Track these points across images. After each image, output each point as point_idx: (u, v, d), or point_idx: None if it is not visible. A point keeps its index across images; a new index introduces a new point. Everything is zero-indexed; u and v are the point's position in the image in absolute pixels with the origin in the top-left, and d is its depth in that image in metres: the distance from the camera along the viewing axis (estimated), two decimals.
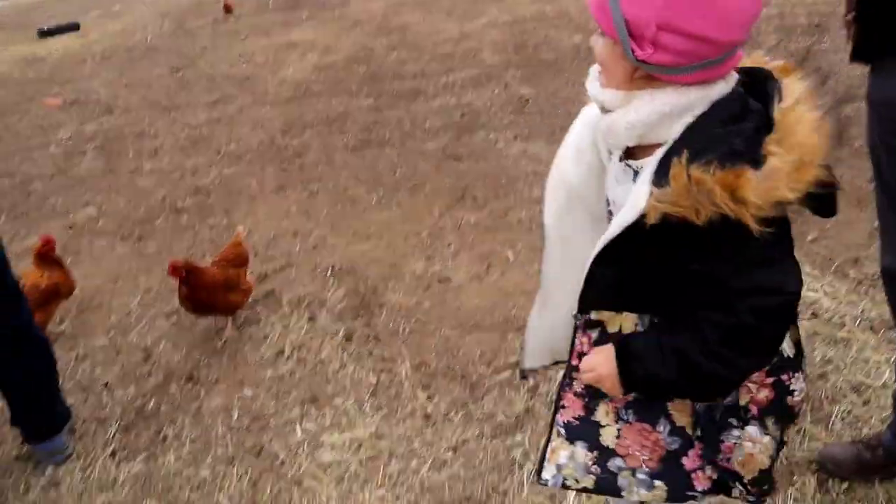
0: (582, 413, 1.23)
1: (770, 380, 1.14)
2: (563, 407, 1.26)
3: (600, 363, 1.14)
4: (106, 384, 2.83)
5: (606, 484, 1.22)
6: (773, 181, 0.92)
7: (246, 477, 2.29)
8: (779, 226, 0.96)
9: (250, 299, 3.02)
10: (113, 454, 2.46)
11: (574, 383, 1.23)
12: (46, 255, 3.05)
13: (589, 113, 1.23)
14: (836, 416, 2.17)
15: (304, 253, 3.58)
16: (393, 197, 4.04)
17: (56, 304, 3.05)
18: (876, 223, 1.88)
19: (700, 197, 0.92)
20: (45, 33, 16.85)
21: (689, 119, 1.00)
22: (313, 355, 2.79)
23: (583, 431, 1.23)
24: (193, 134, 5.58)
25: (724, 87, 1.02)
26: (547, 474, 1.26)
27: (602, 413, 1.22)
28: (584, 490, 1.26)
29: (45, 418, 2.42)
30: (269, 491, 2.23)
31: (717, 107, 1.00)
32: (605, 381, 1.14)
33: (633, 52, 0.99)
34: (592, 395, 1.22)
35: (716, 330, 1.02)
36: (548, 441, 1.28)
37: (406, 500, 2.12)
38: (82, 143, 6.47)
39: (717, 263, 0.99)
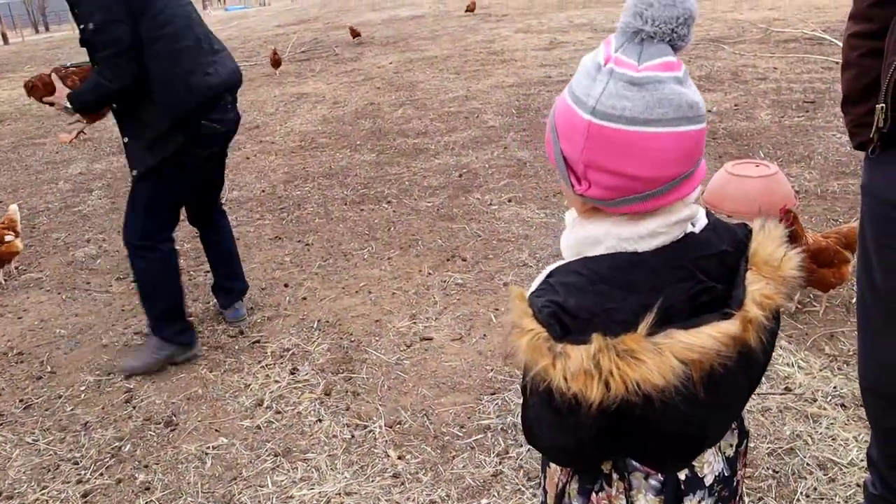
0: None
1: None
2: None
3: None
4: (85, 424, 2.87)
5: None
6: (560, 362, 0.93)
7: None
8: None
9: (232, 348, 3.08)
10: (85, 495, 2.49)
11: None
12: None
13: None
14: (801, 493, 2.20)
15: (294, 304, 3.65)
16: (384, 253, 4.12)
17: None
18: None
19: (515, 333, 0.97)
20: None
21: (600, 250, 1.02)
22: (291, 408, 2.83)
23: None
24: None
25: (657, 223, 0.99)
26: None
27: None
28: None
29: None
30: None
31: (616, 260, 1.00)
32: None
33: (572, 185, 1.02)
34: None
35: (531, 411, 1.08)
36: None
37: None
38: (91, 180, 6.61)
39: None
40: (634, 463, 1.11)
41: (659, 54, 0.92)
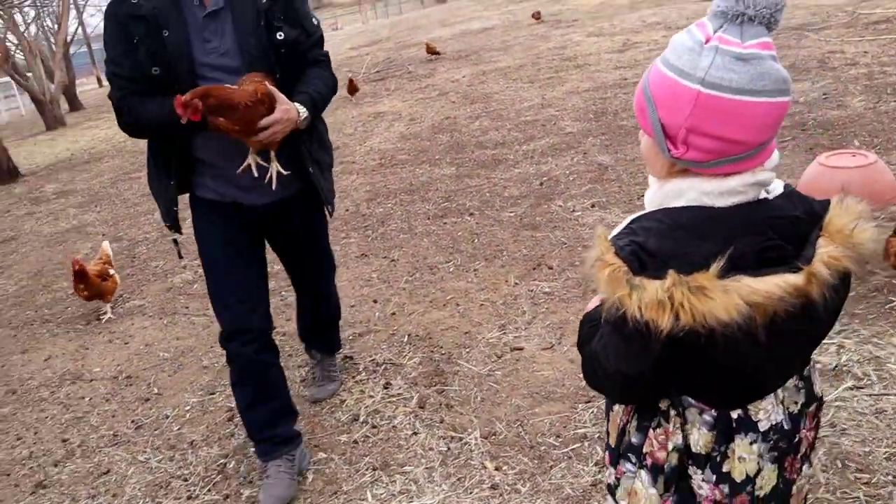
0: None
1: (670, 446, 1.25)
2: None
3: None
4: (192, 442, 2.98)
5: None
6: (636, 293, 1.03)
7: None
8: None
9: None
10: None
11: None
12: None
13: None
14: None
15: (383, 320, 3.70)
16: (470, 265, 4.14)
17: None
18: None
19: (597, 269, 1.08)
20: None
21: (681, 202, 1.14)
22: (387, 422, 2.86)
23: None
24: None
25: (739, 181, 1.11)
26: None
27: None
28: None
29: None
30: None
31: (695, 211, 1.12)
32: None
33: (668, 150, 1.13)
34: None
35: (598, 342, 1.21)
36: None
37: None
38: (183, 209, 6.87)
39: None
40: (690, 399, 1.21)
41: (758, 35, 1.07)
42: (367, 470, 2.62)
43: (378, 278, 4.22)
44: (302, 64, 2.43)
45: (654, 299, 1.02)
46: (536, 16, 15.96)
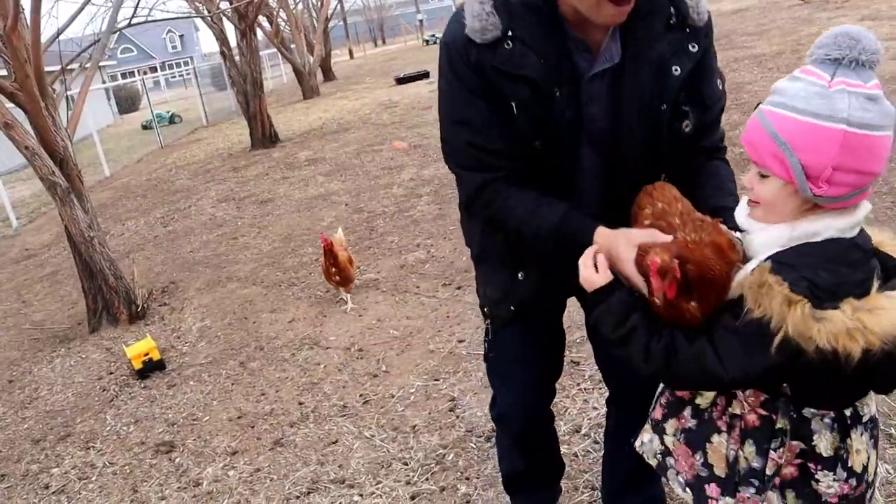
0: (660, 418, 1.56)
1: (797, 461, 1.32)
2: (657, 407, 1.58)
3: (592, 277, 1.44)
4: (414, 427, 3.06)
5: (661, 470, 1.55)
6: (823, 325, 1.13)
7: None
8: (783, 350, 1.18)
9: None
10: (413, 497, 2.64)
11: (663, 397, 1.55)
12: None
13: None
14: None
15: None
16: None
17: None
18: None
19: (763, 297, 1.18)
20: (400, 80, 19.11)
21: (817, 240, 1.23)
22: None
23: (658, 428, 1.56)
24: None
25: (864, 211, 1.24)
26: (637, 441, 1.61)
27: (670, 424, 1.52)
28: (651, 466, 1.57)
29: None
30: None
31: (839, 244, 1.22)
32: (586, 282, 1.45)
33: (810, 190, 1.19)
34: (671, 410, 1.52)
35: (666, 338, 1.33)
36: (645, 420, 1.62)
37: None
38: (420, 186, 7.15)
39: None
40: (811, 409, 1.30)
41: (872, 77, 1.18)
42: (585, 488, 2.52)
43: None
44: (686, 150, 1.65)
45: (842, 329, 1.12)
46: None
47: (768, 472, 1.34)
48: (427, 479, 2.72)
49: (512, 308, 1.83)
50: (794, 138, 1.19)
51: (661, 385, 1.58)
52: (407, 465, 2.84)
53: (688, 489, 1.47)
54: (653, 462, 1.57)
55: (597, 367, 3.17)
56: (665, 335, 1.33)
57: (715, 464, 1.41)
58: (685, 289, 1.29)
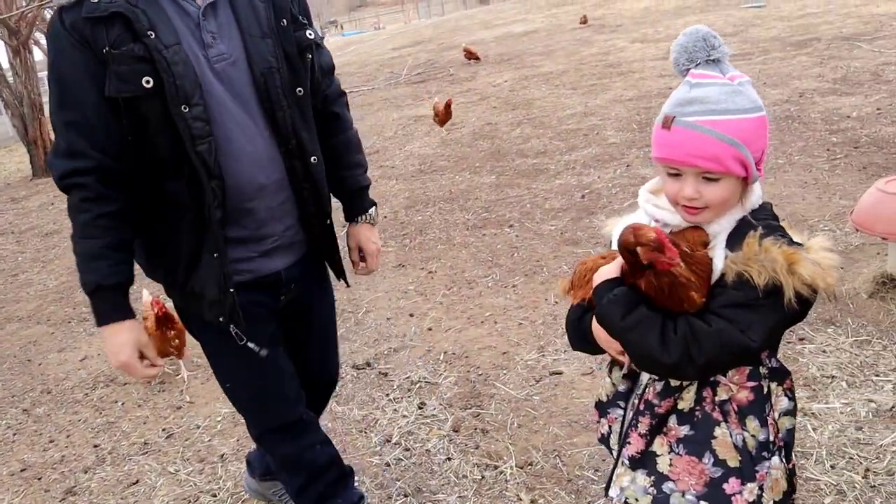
0: (643, 448, 1.48)
1: (750, 384, 1.40)
2: (629, 444, 1.50)
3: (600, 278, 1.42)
4: (222, 456, 2.94)
5: (660, 502, 1.44)
6: (820, 268, 1.24)
7: None
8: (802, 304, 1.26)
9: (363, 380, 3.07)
10: None
11: (639, 426, 1.48)
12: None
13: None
14: None
15: (419, 335, 3.63)
16: (509, 280, 4.04)
17: None
18: None
19: (765, 263, 1.24)
20: None
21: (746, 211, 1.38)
22: (420, 444, 2.79)
23: (643, 461, 1.48)
24: None
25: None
26: (612, 492, 1.52)
27: (658, 445, 1.46)
28: None
29: None
30: None
31: (766, 204, 1.40)
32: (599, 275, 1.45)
33: (759, 174, 1.35)
34: (652, 432, 1.47)
35: (683, 325, 1.30)
36: (614, 468, 1.55)
37: None
38: None
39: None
40: (777, 360, 1.45)
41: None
42: (398, 496, 2.55)
43: (415, 290, 4.15)
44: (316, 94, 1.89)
45: (829, 266, 1.26)
46: (584, 20, 15.78)
47: (770, 437, 1.40)
48: None
49: None
50: (744, 135, 1.29)
51: (623, 420, 1.55)
52: (216, 496, 2.72)
53: (702, 502, 1.41)
54: (645, 501, 1.46)
55: (405, 377, 3.24)
56: (681, 322, 1.30)
57: (727, 457, 1.40)
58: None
